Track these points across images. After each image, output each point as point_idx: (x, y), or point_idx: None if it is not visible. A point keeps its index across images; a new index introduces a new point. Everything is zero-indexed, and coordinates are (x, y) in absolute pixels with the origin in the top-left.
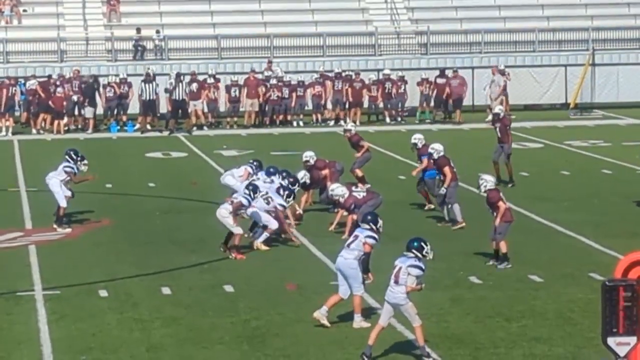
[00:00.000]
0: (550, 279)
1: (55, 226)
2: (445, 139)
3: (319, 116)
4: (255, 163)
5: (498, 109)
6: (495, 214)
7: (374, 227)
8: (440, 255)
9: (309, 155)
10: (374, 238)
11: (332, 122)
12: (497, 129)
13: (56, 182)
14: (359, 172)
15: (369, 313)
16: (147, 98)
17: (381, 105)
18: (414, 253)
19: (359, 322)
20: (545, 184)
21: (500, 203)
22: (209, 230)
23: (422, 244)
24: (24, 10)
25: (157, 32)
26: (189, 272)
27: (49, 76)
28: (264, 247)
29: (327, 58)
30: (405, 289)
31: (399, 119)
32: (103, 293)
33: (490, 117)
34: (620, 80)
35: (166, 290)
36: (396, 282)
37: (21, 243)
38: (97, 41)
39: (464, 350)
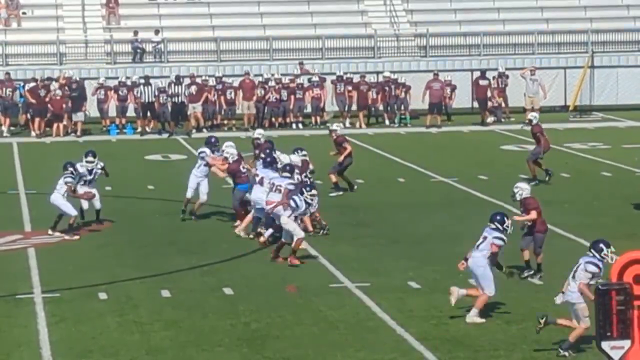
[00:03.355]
0: (550, 281)
1: (64, 236)
2: (445, 141)
3: (318, 119)
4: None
5: (531, 115)
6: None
7: (500, 227)
8: (440, 257)
9: (258, 133)
10: (501, 239)
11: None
12: (533, 135)
13: (58, 196)
14: (334, 177)
15: (374, 316)
16: (146, 101)
17: (381, 107)
18: (593, 253)
19: (473, 316)
20: (544, 186)
21: (533, 212)
22: (208, 233)
23: (603, 244)
24: (24, 13)
25: (157, 32)
26: (188, 274)
27: (50, 79)
28: (262, 240)
29: (327, 61)
30: (579, 286)
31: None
32: (103, 296)
33: (490, 119)
34: (620, 82)
35: (166, 293)
36: (573, 277)
37: (21, 245)
38: (97, 44)
39: (464, 352)
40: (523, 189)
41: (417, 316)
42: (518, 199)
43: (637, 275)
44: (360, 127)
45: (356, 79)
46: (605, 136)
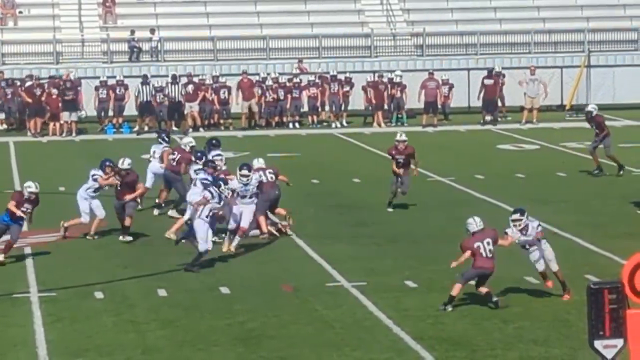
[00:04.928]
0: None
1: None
2: (441, 141)
3: (315, 118)
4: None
5: (591, 107)
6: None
7: None
8: (437, 257)
9: (184, 144)
10: None
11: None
12: (594, 127)
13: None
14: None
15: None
16: (144, 99)
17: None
18: None
19: None
20: (541, 185)
21: (467, 253)
22: None
23: None
24: (20, 12)
25: (152, 31)
26: (185, 273)
27: (49, 78)
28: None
29: (323, 60)
30: None
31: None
32: (99, 295)
33: (489, 118)
34: (616, 81)
35: (162, 292)
36: None
37: (17, 245)
38: (93, 43)
39: (461, 352)
40: (470, 224)
41: (413, 315)
42: (471, 230)
43: None
44: (380, 125)
45: (371, 77)
46: None
